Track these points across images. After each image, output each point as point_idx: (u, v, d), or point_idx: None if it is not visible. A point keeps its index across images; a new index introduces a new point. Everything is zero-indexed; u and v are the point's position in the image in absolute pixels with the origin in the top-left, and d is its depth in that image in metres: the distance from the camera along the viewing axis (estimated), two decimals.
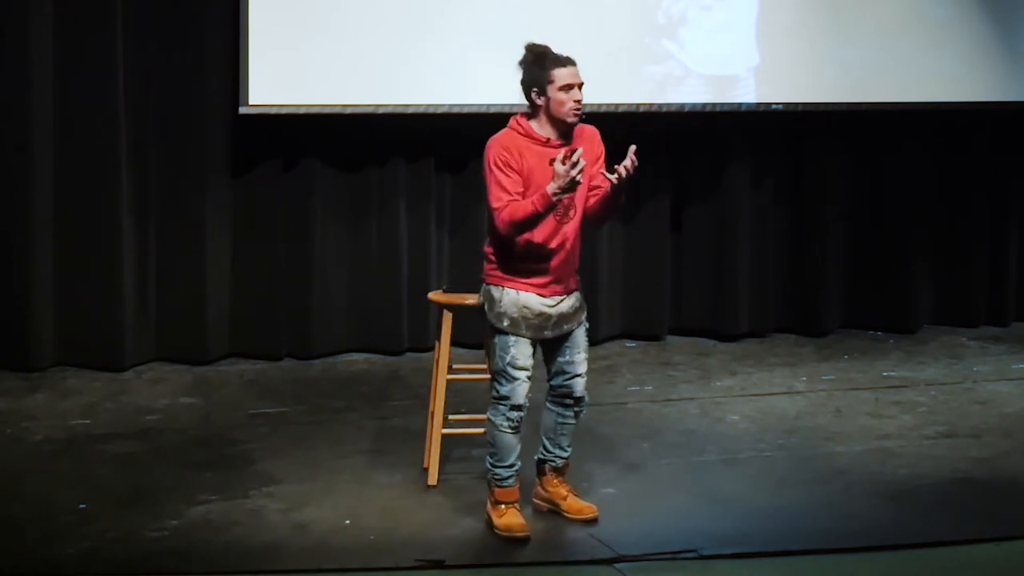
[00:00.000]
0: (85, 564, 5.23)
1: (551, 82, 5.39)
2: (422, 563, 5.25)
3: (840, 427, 7.09)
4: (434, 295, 6.28)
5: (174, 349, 8.10)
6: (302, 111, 8.01)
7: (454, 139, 8.31)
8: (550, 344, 5.59)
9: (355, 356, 8.37)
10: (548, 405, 5.73)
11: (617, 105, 8.34)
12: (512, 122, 5.49)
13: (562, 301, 5.54)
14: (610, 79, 8.35)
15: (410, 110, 8.13)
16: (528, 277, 5.47)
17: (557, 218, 5.45)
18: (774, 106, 8.71)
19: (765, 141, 8.99)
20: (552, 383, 5.68)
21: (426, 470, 6.11)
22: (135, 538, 5.45)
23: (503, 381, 5.51)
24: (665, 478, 6.31)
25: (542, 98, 5.42)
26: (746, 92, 8.65)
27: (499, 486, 5.59)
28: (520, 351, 5.49)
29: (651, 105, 8.50)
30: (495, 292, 5.52)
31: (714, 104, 8.61)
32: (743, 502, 5.98)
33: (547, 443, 5.75)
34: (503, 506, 5.59)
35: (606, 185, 5.48)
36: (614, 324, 8.87)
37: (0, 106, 7.69)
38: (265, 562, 5.30)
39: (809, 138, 9.04)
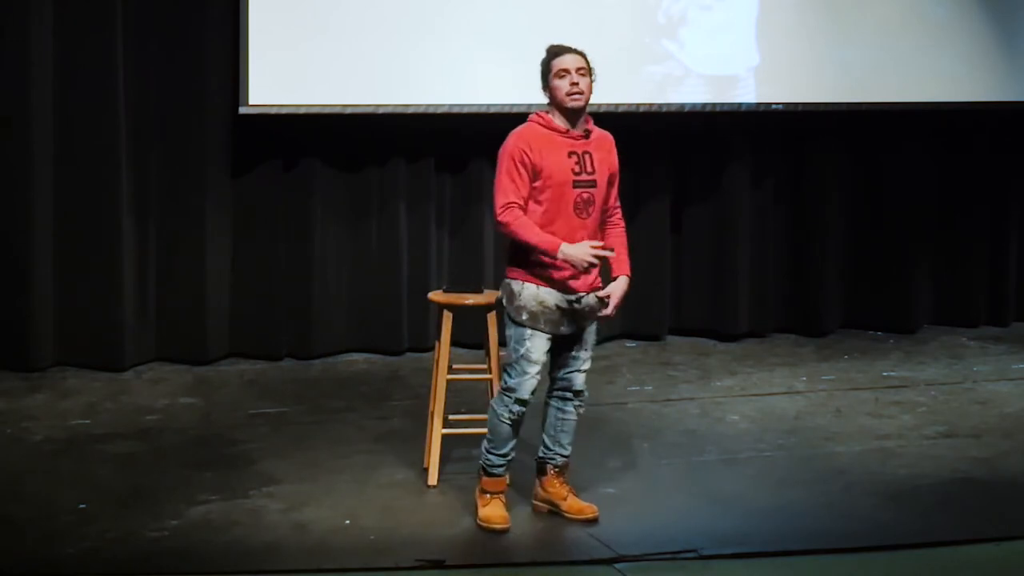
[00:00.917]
0: (85, 564, 5.23)
1: (551, 71, 5.56)
2: (422, 563, 5.25)
3: (840, 427, 7.10)
4: (434, 295, 6.28)
5: (174, 349, 8.10)
6: (302, 111, 8.01)
7: (454, 139, 8.31)
8: (562, 338, 5.62)
9: (355, 356, 8.37)
10: (548, 400, 5.76)
11: (617, 105, 8.34)
12: (533, 116, 5.62)
13: (581, 298, 5.58)
14: (610, 79, 8.26)
15: (410, 110, 8.13)
16: (551, 272, 5.52)
17: (577, 213, 5.51)
18: (774, 106, 8.71)
19: (765, 141, 8.99)
20: (554, 375, 5.72)
21: (426, 470, 6.11)
22: (135, 538, 5.45)
23: (513, 373, 5.56)
24: (665, 478, 6.31)
25: (547, 90, 5.58)
26: (746, 92, 8.66)
27: (488, 474, 5.65)
28: (535, 345, 5.54)
29: (651, 105, 8.50)
30: (515, 287, 5.57)
31: (714, 104, 8.61)
32: (743, 502, 5.98)
33: (547, 440, 5.77)
34: (488, 495, 5.65)
35: (613, 212, 5.71)
36: (614, 324, 8.85)
37: (0, 106, 7.69)
38: (265, 562, 5.30)
39: (809, 138, 9.05)
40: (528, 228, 5.45)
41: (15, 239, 7.77)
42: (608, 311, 5.59)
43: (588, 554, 5.40)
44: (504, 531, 5.57)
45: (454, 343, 6.21)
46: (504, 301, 5.63)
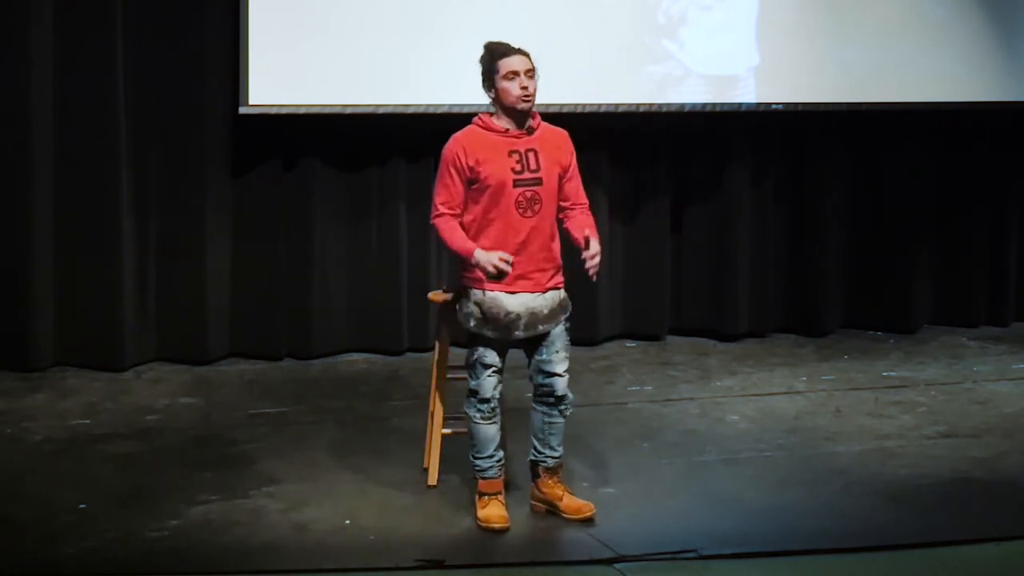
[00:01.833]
0: (85, 564, 5.23)
1: (497, 72, 5.52)
2: (422, 563, 5.25)
3: (840, 427, 7.09)
4: (434, 295, 6.28)
5: (174, 349, 8.10)
6: (302, 111, 8.01)
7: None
8: (527, 343, 5.61)
9: (355, 356, 8.37)
10: (535, 405, 5.75)
11: (617, 105, 8.35)
12: (475, 119, 5.62)
13: (535, 299, 5.55)
14: (610, 79, 8.36)
15: (410, 110, 8.13)
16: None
17: (520, 211, 5.49)
18: (774, 106, 8.71)
19: (765, 141, 8.98)
20: (534, 382, 5.70)
21: (426, 470, 6.11)
22: (135, 538, 5.45)
23: (472, 375, 5.61)
24: (665, 478, 6.30)
25: (492, 90, 5.55)
26: (746, 92, 8.65)
27: (482, 477, 5.67)
28: (486, 349, 5.56)
29: (651, 105, 8.50)
30: (463, 291, 5.60)
31: (714, 104, 8.61)
32: (743, 502, 5.98)
33: (537, 443, 5.76)
34: (486, 497, 5.66)
35: (576, 209, 5.65)
36: (614, 324, 8.87)
37: (0, 106, 7.69)
38: (265, 562, 5.30)
39: (809, 138, 9.04)
40: (450, 234, 5.51)
41: (15, 239, 7.76)
42: (591, 255, 5.45)
43: (588, 554, 5.40)
44: (504, 530, 5.57)
45: (454, 343, 6.21)
46: (456, 306, 5.66)
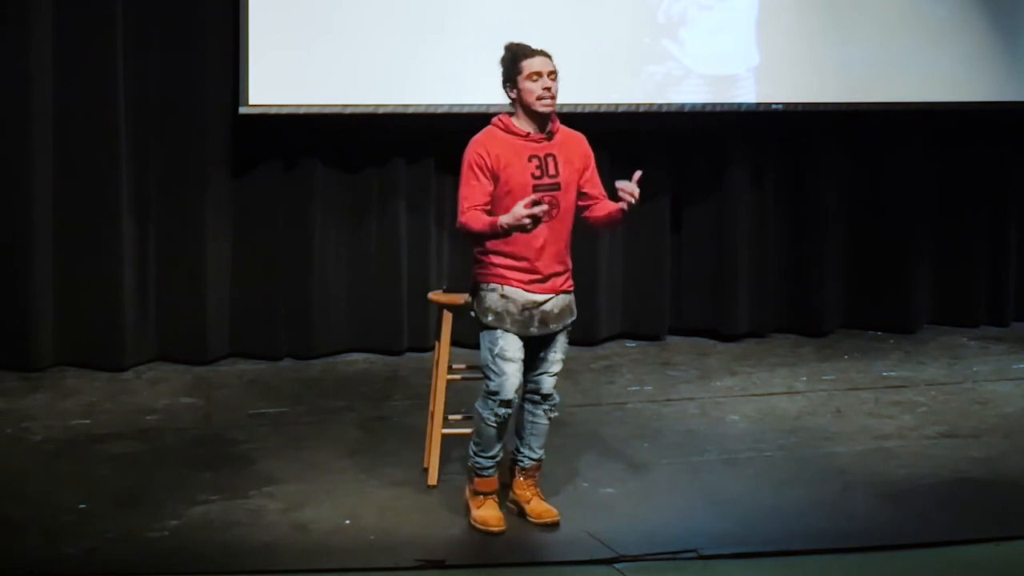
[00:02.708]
0: (85, 564, 5.23)
1: (520, 73, 5.48)
2: (422, 563, 5.25)
3: (840, 427, 7.09)
4: (434, 295, 6.28)
5: (174, 349, 8.10)
6: (302, 111, 8.01)
7: (454, 139, 8.23)
8: (532, 342, 5.60)
9: (355, 356, 8.37)
10: (520, 403, 5.72)
11: (617, 105, 8.35)
12: (494, 120, 5.57)
13: (549, 300, 5.55)
14: (610, 79, 8.36)
15: (410, 110, 8.13)
16: (512, 273, 5.49)
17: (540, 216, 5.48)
18: (774, 106, 8.71)
19: (765, 141, 8.98)
20: (524, 378, 5.65)
21: (426, 470, 6.11)
22: (135, 538, 5.45)
23: (492, 376, 5.52)
24: (665, 478, 6.30)
25: (514, 91, 5.51)
26: (746, 92, 8.65)
27: (479, 475, 5.63)
28: (508, 342, 5.50)
29: (651, 105, 8.50)
30: (481, 287, 5.56)
31: (714, 104, 8.61)
32: (743, 502, 5.98)
33: (518, 443, 5.76)
34: (482, 496, 5.63)
35: (601, 199, 5.61)
36: (614, 324, 8.87)
37: (0, 106, 7.69)
38: (265, 562, 5.30)
39: (809, 138, 9.04)
40: (475, 219, 5.38)
41: (15, 239, 7.76)
42: (631, 189, 5.44)
43: (588, 554, 5.40)
44: (500, 532, 5.55)
45: (454, 343, 6.21)
46: (472, 304, 5.61)
